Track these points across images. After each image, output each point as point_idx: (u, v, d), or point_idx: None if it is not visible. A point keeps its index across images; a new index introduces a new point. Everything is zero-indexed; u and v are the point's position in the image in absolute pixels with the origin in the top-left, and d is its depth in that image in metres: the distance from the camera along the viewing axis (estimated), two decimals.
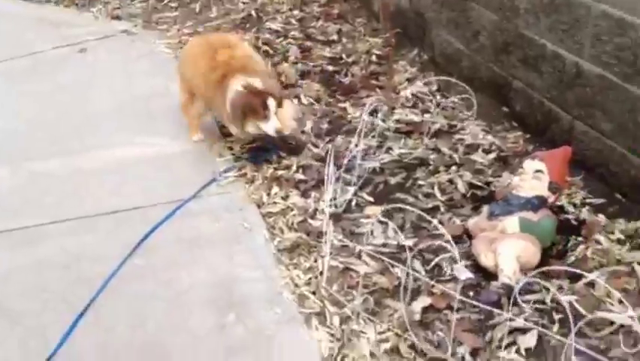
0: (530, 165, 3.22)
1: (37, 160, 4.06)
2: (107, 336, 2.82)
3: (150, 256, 3.28)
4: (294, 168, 3.96)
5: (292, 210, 3.60)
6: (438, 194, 3.69)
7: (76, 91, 4.93)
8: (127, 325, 2.88)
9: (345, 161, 3.65)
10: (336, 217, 3.48)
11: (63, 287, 3.08)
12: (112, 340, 2.81)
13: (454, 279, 3.00)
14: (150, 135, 4.27)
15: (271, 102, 3.72)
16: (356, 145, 3.71)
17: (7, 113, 4.55)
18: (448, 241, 2.70)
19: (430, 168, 3.91)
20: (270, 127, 3.76)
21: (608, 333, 2.70)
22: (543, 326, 2.72)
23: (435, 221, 2.94)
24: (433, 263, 3.12)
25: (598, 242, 3.17)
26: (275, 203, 3.67)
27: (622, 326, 2.66)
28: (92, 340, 2.80)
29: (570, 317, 2.34)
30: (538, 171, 3.19)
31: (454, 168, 3.88)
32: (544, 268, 2.69)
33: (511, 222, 3.07)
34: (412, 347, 2.71)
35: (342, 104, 4.66)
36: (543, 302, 2.86)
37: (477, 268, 3.09)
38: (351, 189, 3.69)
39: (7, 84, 5.01)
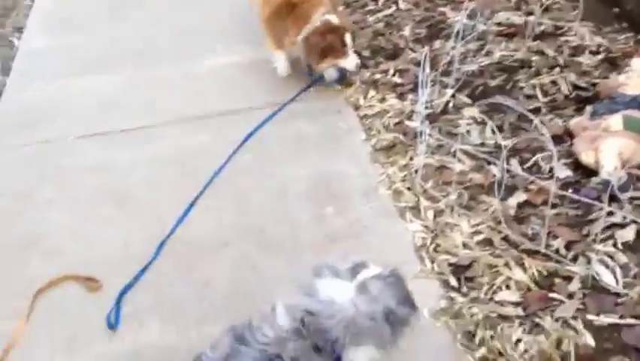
0: (637, 62, 3.11)
1: (148, 68, 4.29)
2: (216, 222, 3.05)
3: (254, 153, 3.46)
4: (392, 71, 3.98)
5: (389, 112, 3.65)
6: (540, 95, 3.63)
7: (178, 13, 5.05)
8: (234, 212, 3.09)
9: (443, 63, 3.63)
10: (432, 118, 3.51)
11: (175, 180, 3.32)
12: (221, 226, 3.03)
13: (552, 177, 2.99)
14: (249, 44, 4.38)
15: (348, 38, 3.68)
16: (453, 47, 3.68)
17: (117, 33, 4.77)
18: (547, 140, 2.69)
19: (532, 70, 3.82)
20: (350, 63, 3.73)
21: None
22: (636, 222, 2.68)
23: (536, 120, 2.91)
24: (531, 162, 3.11)
25: None
26: (372, 106, 3.73)
27: None
28: (202, 226, 3.03)
29: None
30: None
31: (557, 69, 3.78)
32: None
33: (615, 120, 3.00)
34: (505, 239, 2.76)
35: (441, 9, 4.58)
36: None
37: (577, 166, 3.06)
38: (449, 92, 3.68)
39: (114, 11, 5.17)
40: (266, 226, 3.00)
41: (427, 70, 3.31)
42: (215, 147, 3.50)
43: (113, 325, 2.56)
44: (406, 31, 4.38)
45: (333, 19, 3.67)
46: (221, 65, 4.24)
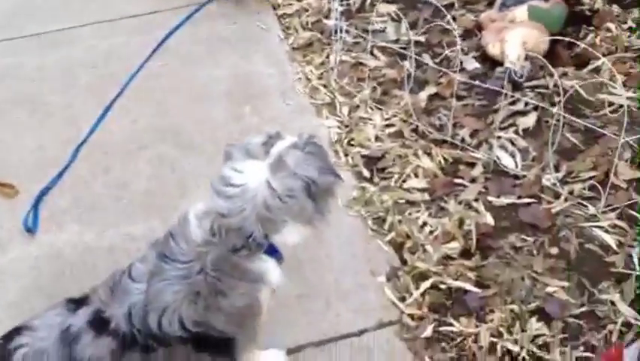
0: None
1: None
2: (133, 125, 3.04)
3: (171, 56, 3.41)
4: None
5: (307, 10, 3.64)
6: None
7: None
8: (152, 114, 3.08)
9: None
10: (349, 16, 3.52)
11: (91, 83, 3.27)
12: (138, 129, 3.02)
13: (462, 70, 3.08)
14: None
15: None
16: None
17: None
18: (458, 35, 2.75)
19: None
20: None
21: (607, 114, 2.80)
22: (543, 108, 2.82)
23: (448, 15, 2.95)
24: (442, 56, 3.18)
25: (608, 30, 3.19)
26: (290, 4, 3.70)
27: (621, 106, 2.73)
28: (119, 129, 3.02)
29: (561, 96, 2.44)
30: None
31: None
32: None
33: (521, 11, 3.09)
34: (415, 130, 2.86)
35: None
36: (546, 87, 2.94)
37: (485, 58, 3.16)
38: None
39: None
40: (183, 126, 3.01)
41: None
42: (131, 50, 3.44)
43: (31, 228, 2.57)
44: None
45: None
46: None
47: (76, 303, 1.71)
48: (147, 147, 2.94)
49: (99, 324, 1.64)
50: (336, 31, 3.27)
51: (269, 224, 1.64)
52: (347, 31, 3.32)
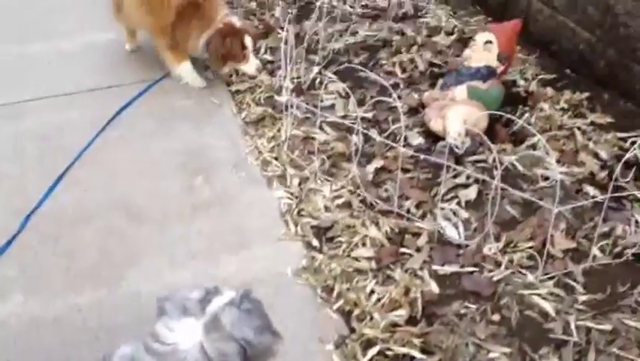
0: (481, 36, 3.40)
1: (14, 43, 4.18)
2: (84, 196, 3.05)
3: (125, 129, 3.47)
4: (262, 49, 4.10)
5: (260, 87, 3.77)
6: (398, 72, 3.88)
7: None
8: (102, 187, 3.10)
9: (309, 42, 3.79)
10: (300, 92, 3.66)
11: (43, 155, 3.28)
12: (88, 199, 3.04)
13: (407, 145, 3.23)
14: None
15: (249, 41, 3.63)
16: (318, 26, 3.86)
17: None
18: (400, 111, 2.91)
19: (393, 48, 4.07)
20: (250, 68, 3.71)
21: (543, 187, 2.95)
22: (483, 182, 2.96)
23: (394, 94, 3.12)
24: (388, 131, 3.33)
25: (542, 110, 3.39)
26: (243, 81, 3.84)
27: (556, 181, 2.88)
28: (69, 199, 3.03)
29: (497, 169, 2.58)
30: (488, 42, 3.36)
31: (415, 48, 4.05)
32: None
33: (460, 90, 3.28)
34: (363, 201, 2.96)
35: None
36: (486, 162, 3.10)
37: (429, 134, 3.32)
38: (316, 68, 3.85)
39: None
40: (134, 197, 3.04)
41: (293, 44, 3.47)
42: (84, 124, 3.48)
43: None
44: (277, 12, 4.50)
45: (235, 20, 3.64)
46: (92, 41, 4.19)
47: None
48: (96, 217, 2.95)
49: None
50: (287, 107, 3.41)
51: None
52: (297, 107, 3.46)
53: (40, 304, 2.54)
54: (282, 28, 4.29)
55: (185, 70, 3.77)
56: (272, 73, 3.90)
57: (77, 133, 3.41)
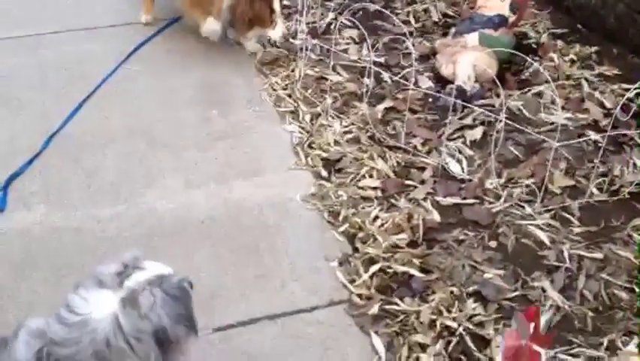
0: None
1: None
2: (104, 122, 3.18)
3: (144, 64, 3.58)
4: None
5: None
6: (412, 21, 3.95)
7: None
8: (122, 115, 3.23)
9: None
10: (315, 36, 3.75)
11: (64, 83, 3.41)
12: (109, 125, 3.16)
13: (416, 89, 3.32)
14: None
15: (277, 5, 3.45)
16: None
17: None
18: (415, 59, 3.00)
19: None
20: (277, 33, 3.52)
21: (547, 130, 3.05)
22: (489, 123, 3.06)
23: (408, 42, 3.20)
24: (399, 75, 3.42)
25: (552, 60, 3.47)
26: None
27: (561, 125, 2.98)
28: (90, 124, 3.15)
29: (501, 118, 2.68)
30: None
31: None
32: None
33: (472, 37, 3.36)
34: (372, 137, 3.06)
35: None
36: (493, 106, 3.19)
37: (439, 79, 3.41)
38: (331, 14, 3.94)
39: None
40: (152, 126, 3.16)
41: None
42: (104, 56, 3.60)
43: None
44: None
45: None
46: None
47: None
48: (116, 141, 3.07)
49: None
50: (302, 49, 3.51)
51: None
52: (312, 49, 3.56)
53: (61, 215, 2.68)
54: None
55: (208, 24, 3.63)
56: (288, 17, 3.98)
57: (98, 64, 3.53)
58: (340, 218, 2.67)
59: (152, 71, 3.54)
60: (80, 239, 2.59)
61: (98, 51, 3.66)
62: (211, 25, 3.63)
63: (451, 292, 2.31)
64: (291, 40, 3.79)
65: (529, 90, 3.31)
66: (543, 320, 2.09)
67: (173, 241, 2.59)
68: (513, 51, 3.07)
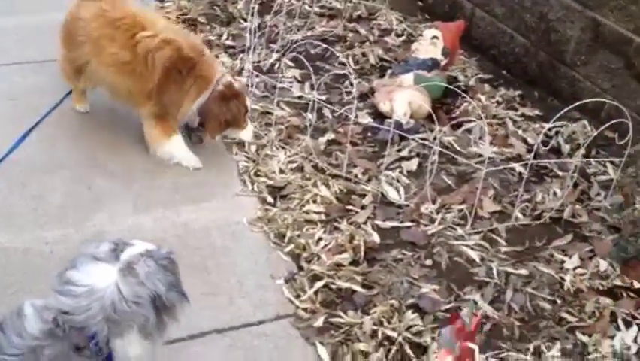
0: (428, 32, 3.76)
1: None
2: (51, 149, 3.22)
3: (92, 94, 3.64)
4: (225, 36, 4.37)
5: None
6: (352, 63, 4.19)
7: None
8: (69, 142, 3.30)
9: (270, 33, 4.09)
10: (260, 74, 3.93)
11: (12, 114, 3.44)
12: (55, 152, 3.21)
13: (356, 124, 3.54)
14: None
15: (249, 103, 3.21)
16: (284, 23, 4.17)
17: None
18: (354, 97, 3.24)
19: (347, 44, 4.40)
20: (248, 135, 3.26)
21: (476, 162, 3.29)
22: (424, 155, 3.28)
23: (351, 77, 3.43)
24: (340, 111, 3.62)
25: (480, 101, 3.76)
26: None
27: (488, 158, 3.22)
28: (37, 151, 3.18)
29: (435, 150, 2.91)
30: (434, 37, 3.73)
31: (367, 44, 4.39)
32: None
33: (407, 77, 3.62)
34: (315, 167, 3.23)
35: None
36: (427, 140, 3.42)
37: (377, 115, 3.63)
38: (275, 55, 4.14)
39: None
40: (101, 153, 3.23)
41: (255, 32, 3.75)
42: (53, 89, 3.63)
43: None
44: (240, 4, 4.79)
45: (234, 81, 3.16)
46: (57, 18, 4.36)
47: None
48: (64, 167, 3.13)
49: None
50: (247, 86, 3.68)
51: (114, 326, 1.61)
52: (256, 87, 3.73)
53: (8, 237, 2.71)
54: (243, 19, 4.60)
55: (176, 145, 3.17)
56: (233, 56, 4.17)
57: (46, 96, 3.56)
58: (286, 239, 2.80)
59: (100, 102, 3.61)
60: (28, 259, 2.62)
61: (47, 84, 3.71)
62: (175, 147, 3.17)
63: (391, 305, 2.46)
64: (236, 77, 3.95)
65: (460, 127, 3.56)
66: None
67: None
68: (447, 85, 3.33)
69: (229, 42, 4.33)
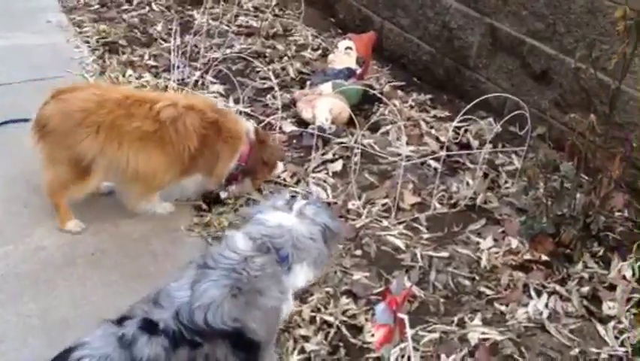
0: (342, 43, 4.02)
1: None
2: None
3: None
4: (147, 56, 4.49)
5: (146, 86, 4.14)
6: (272, 78, 4.38)
7: None
8: (3, 163, 3.32)
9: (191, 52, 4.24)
10: (184, 91, 4.07)
11: None
12: None
13: (282, 133, 3.73)
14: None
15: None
16: (204, 42, 4.34)
17: None
18: (277, 109, 3.44)
19: (267, 59, 4.60)
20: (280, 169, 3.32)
21: (392, 161, 3.54)
22: (347, 157, 3.51)
23: (276, 87, 3.62)
24: (265, 122, 3.81)
25: (395, 106, 4.02)
26: (130, 81, 4.19)
27: (406, 156, 3.48)
28: None
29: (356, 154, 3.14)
30: (348, 48, 3.99)
31: (286, 59, 4.61)
32: None
33: (326, 86, 3.85)
34: None
35: (189, 12, 5.24)
36: (348, 143, 3.66)
37: (300, 123, 3.84)
38: (198, 72, 4.30)
39: None
40: (36, 174, 3.27)
41: (178, 53, 3.90)
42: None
43: None
44: (159, 27, 4.93)
45: (259, 128, 3.22)
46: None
47: (118, 321, 1.84)
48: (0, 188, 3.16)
49: (149, 328, 1.79)
50: None
51: (297, 253, 2.00)
52: None
53: None
54: (163, 40, 4.73)
55: (155, 199, 3.09)
56: (157, 75, 4.29)
57: None
58: None
59: None
60: None
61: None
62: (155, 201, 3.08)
63: (327, 293, 2.65)
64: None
65: (379, 129, 3.82)
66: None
67: (65, 272, 2.73)
68: (367, 89, 3.57)
69: (151, 62, 4.45)
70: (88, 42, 4.69)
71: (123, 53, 4.52)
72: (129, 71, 4.30)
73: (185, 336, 1.80)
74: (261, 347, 1.96)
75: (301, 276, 2.05)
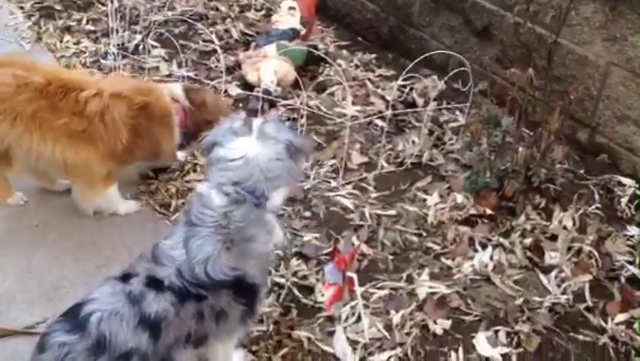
0: (285, 3, 3.97)
1: None
2: None
3: None
4: (84, 21, 4.35)
5: (85, 52, 4.03)
6: (216, 40, 4.31)
7: None
8: None
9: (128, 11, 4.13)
10: (125, 57, 3.97)
11: None
12: None
13: (227, 96, 3.69)
14: None
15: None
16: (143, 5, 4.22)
17: None
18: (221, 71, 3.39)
19: (209, 21, 4.51)
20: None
21: (339, 122, 3.55)
22: (294, 119, 3.50)
23: (219, 51, 3.56)
24: (210, 85, 3.75)
25: (340, 66, 4.01)
26: (68, 48, 4.07)
27: (352, 116, 3.48)
28: None
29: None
30: (291, 8, 3.94)
31: (229, 21, 4.53)
32: None
33: (270, 48, 3.81)
34: None
35: None
36: (295, 105, 3.64)
37: (246, 86, 3.80)
38: (139, 36, 4.19)
39: None
40: None
41: (115, 15, 3.79)
42: None
43: None
44: None
45: (185, 90, 3.03)
46: None
47: (123, 278, 1.87)
48: None
49: (155, 284, 1.83)
50: (113, 68, 3.72)
51: (272, 182, 1.98)
52: (123, 69, 3.78)
53: None
54: (101, 3, 4.59)
55: (112, 195, 2.90)
56: (95, 40, 4.17)
57: None
58: (171, 208, 2.92)
59: None
60: None
61: None
62: (114, 192, 2.90)
63: (278, 255, 2.66)
64: (102, 60, 3.97)
65: (325, 90, 3.81)
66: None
67: (10, 245, 2.69)
68: (311, 50, 3.54)
69: (89, 27, 4.33)
70: (22, 7, 4.51)
71: (60, 18, 4.38)
72: (67, 37, 4.17)
73: (191, 291, 1.86)
74: (258, 290, 2.05)
75: (278, 198, 2.05)
